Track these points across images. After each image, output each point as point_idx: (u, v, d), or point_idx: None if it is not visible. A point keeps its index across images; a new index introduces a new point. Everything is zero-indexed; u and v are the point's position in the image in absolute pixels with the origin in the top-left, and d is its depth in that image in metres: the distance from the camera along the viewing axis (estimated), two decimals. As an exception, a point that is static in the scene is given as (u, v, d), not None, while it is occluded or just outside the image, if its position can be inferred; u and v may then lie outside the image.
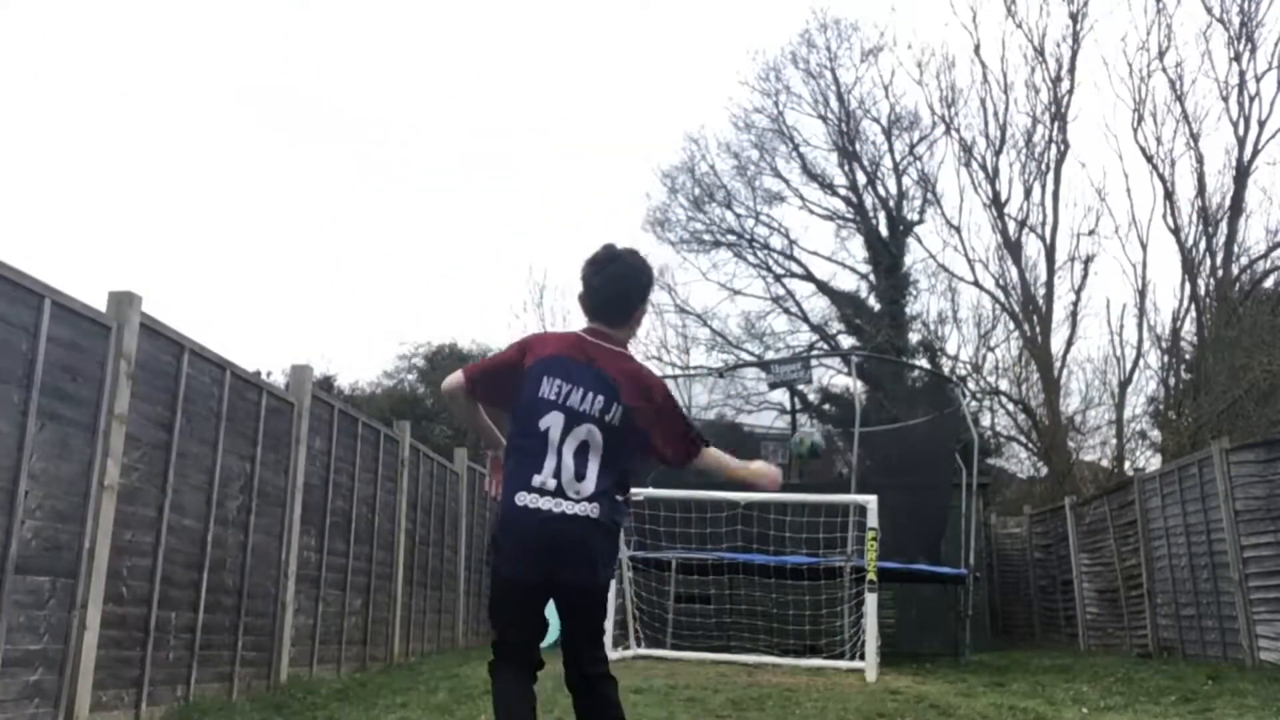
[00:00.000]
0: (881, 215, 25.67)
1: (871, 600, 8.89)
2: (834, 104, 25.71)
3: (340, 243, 40.38)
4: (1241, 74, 19.12)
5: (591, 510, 2.82)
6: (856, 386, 16.62)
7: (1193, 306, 19.14)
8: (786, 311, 26.53)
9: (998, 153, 22.10)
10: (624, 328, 3.10)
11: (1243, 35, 19.10)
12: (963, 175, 37.38)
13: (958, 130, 23.19)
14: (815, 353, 24.28)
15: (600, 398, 2.91)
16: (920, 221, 25.20)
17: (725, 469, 3.09)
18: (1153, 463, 19.16)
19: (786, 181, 26.60)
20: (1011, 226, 21.78)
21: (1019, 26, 26.93)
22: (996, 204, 21.95)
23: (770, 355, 24.71)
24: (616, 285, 3.05)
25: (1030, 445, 22.19)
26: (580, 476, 2.83)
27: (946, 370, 22.61)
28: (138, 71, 38.07)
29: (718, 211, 26.97)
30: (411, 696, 6.45)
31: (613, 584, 9.56)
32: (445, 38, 40.32)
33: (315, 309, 36.45)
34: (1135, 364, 20.71)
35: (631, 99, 39.96)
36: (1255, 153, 18.93)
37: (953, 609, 13.08)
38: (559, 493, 2.80)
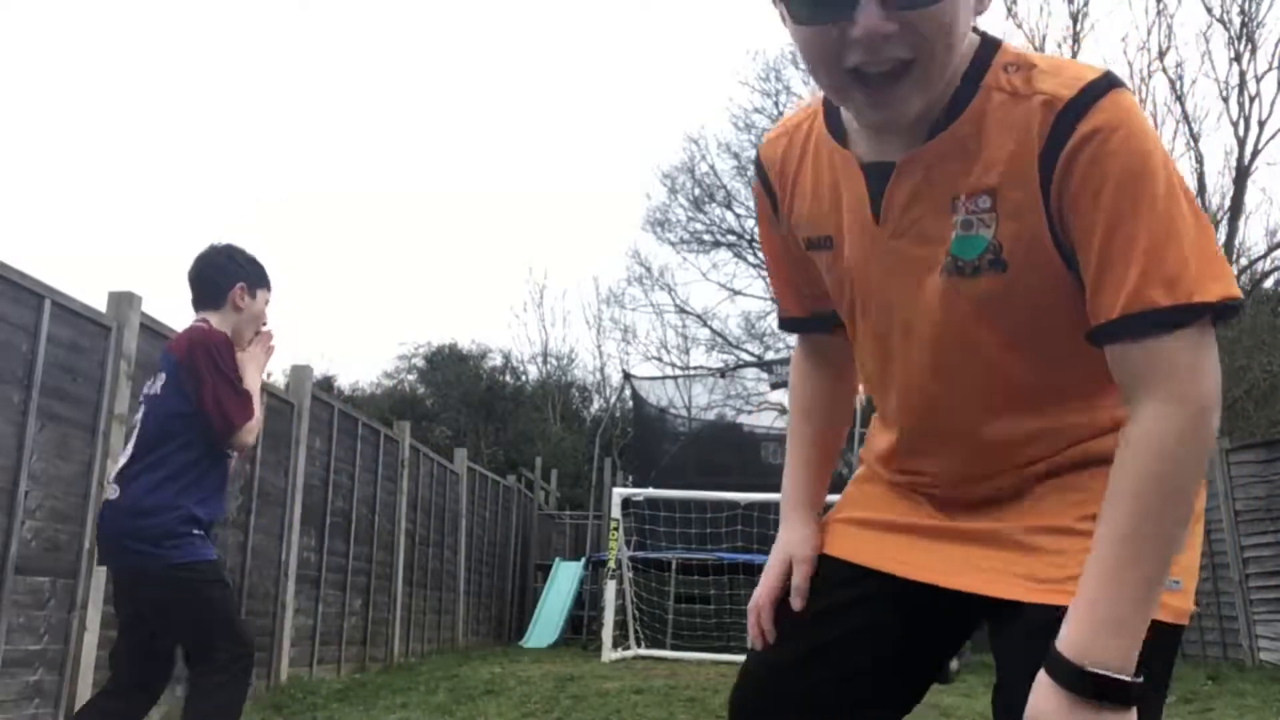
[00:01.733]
0: (882, 215, 25.68)
1: (871, 600, 8.89)
2: (834, 104, 25.72)
3: (340, 243, 40.43)
4: (1242, 74, 19.12)
5: (111, 493, 2.94)
6: (856, 386, 16.64)
7: (1193, 307, 19.15)
8: (787, 312, 26.54)
9: (998, 153, 22.11)
10: (217, 310, 3.14)
11: (1243, 35, 19.11)
12: (963, 175, 37.47)
13: (958, 130, 23.20)
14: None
15: (160, 375, 3.05)
16: (921, 221, 25.21)
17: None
18: (1153, 463, 19.16)
19: (787, 181, 26.60)
20: (1012, 227, 21.79)
21: (1019, 27, 26.97)
22: (996, 204, 21.95)
23: (770, 355, 24.74)
24: (196, 270, 3.16)
25: (1030, 445, 22.19)
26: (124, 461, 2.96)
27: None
28: (138, 71, 38.11)
29: (718, 212, 27.01)
30: (411, 696, 6.45)
31: (613, 584, 9.63)
32: (446, 38, 40.36)
33: (315, 309, 36.47)
34: (1135, 364, 20.72)
35: (632, 99, 40.00)
36: (1255, 153, 18.94)
37: (953, 609, 13.07)
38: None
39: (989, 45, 1.11)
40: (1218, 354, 1.02)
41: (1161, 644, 1.08)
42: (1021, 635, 1.10)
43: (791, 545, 1.43)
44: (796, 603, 1.32)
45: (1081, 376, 1.12)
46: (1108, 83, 1.02)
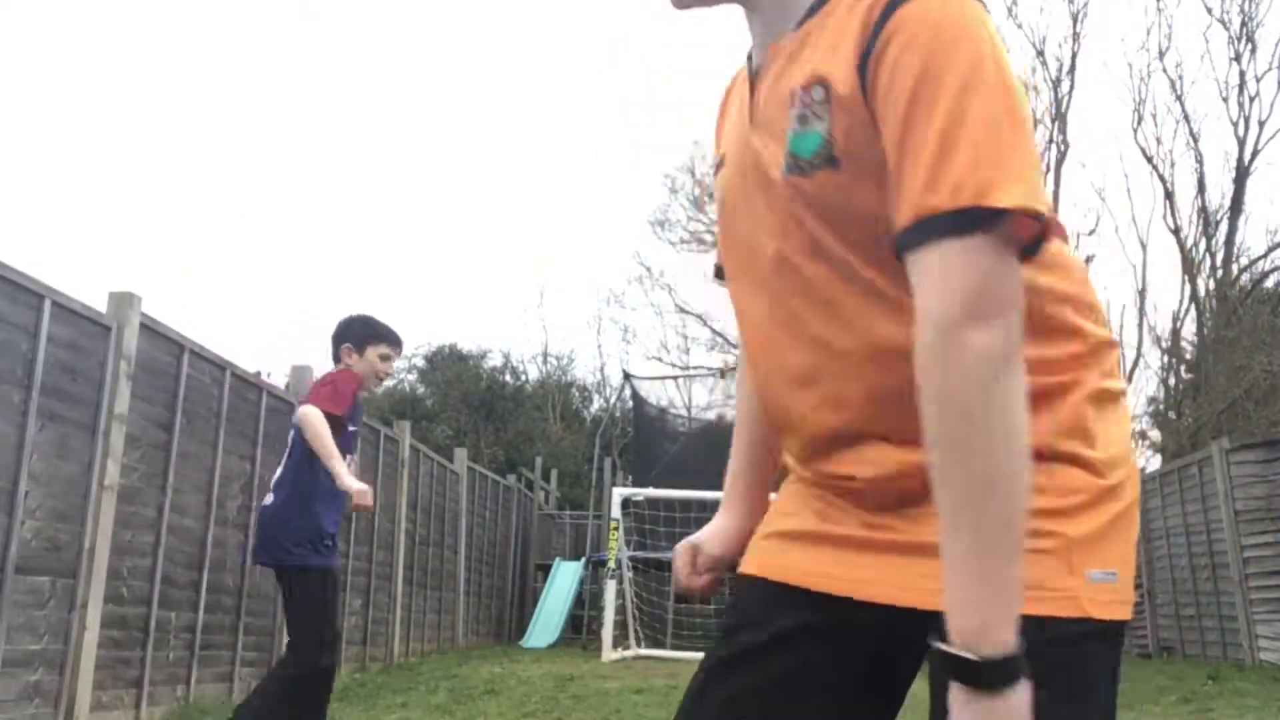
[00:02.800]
0: (881, 215, 25.68)
1: (871, 600, 8.89)
2: (834, 104, 25.71)
3: (340, 243, 40.43)
4: (1242, 74, 19.12)
5: (266, 499, 3.88)
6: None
7: (1193, 307, 19.15)
8: (787, 311, 26.55)
9: (998, 153, 22.09)
10: (339, 362, 4.04)
11: (1243, 35, 19.11)
12: (963, 175, 37.44)
13: (958, 130, 23.18)
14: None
15: None
16: (920, 221, 25.20)
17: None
18: (1153, 463, 19.17)
19: (787, 181, 26.62)
20: (1012, 227, 21.77)
21: (1019, 27, 26.97)
22: (997, 204, 21.93)
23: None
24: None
25: (1030, 445, 22.16)
26: None
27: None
28: (137, 71, 38.11)
29: (718, 212, 26.97)
30: (411, 696, 6.45)
31: (613, 584, 9.64)
32: (446, 38, 40.36)
33: (316, 309, 36.47)
34: (1135, 364, 20.71)
35: (632, 99, 40.00)
36: (1255, 153, 18.93)
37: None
38: None
39: None
40: (1018, 277, 0.89)
41: (1087, 643, 1.01)
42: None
43: (700, 534, 1.33)
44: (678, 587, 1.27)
45: None
46: None
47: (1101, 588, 1.00)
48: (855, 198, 0.96)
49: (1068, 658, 0.97)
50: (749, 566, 1.18)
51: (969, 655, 0.86)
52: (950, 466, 0.87)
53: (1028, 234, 0.89)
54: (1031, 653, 0.88)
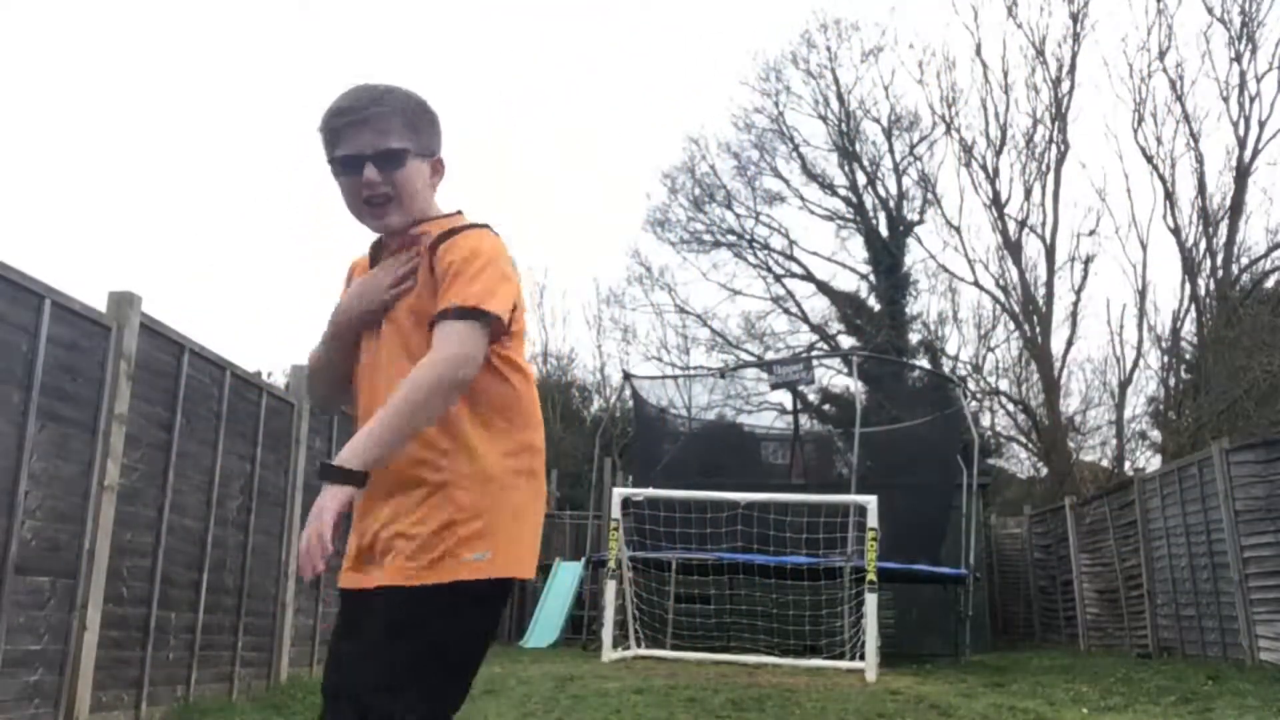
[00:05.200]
0: (881, 215, 25.69)
1: (871, 600, 8.89)
2: (834, 104, 25.72)
3: (340, 243, 40.33)
4: (1242, 74, 19.12)
5: None
6: (857, 387, 16.64)
7: (1193, 307, 19.15)
8: (786, 312, 26.56)
9: (998, 153, 22.11)
10: None
11: (1243, 35, 19.11)
12: (963, 175, 37.54)
13: (958, 130, 23.20)
14: (816, 353, 24.29)
15: None
16: (920, 222, 25.23)
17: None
18: (1153, 463, 19.18)
19: (786, 182, 26.63)
20: (1012, 227, 21.80)
21: (1020, 27, 26.96)
22: (997, 204, 21.96)
23: (770, 355, 24.72)
24: None
25: (1030, 445, 22.20)
26: None
27: (947, 371, 22.62)
28: (137, 71, 38.10)
29: (718, 212, 27.00)
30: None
31: (613, 584, 9.64)
32: (447, 37, 40.36)
33: (316, 309, 36.46)
34: (1135, 364, 20.73)
35: (632, 99, 39.99)
36: (1255, 153, 18.94)
37: (953, 609, 13.08)
38: None
39: (446, 216, 2.01)
40: (479, 343, 1.80)
41: (442, 600, 1.75)
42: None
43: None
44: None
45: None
46: (464, 226, 1.95)
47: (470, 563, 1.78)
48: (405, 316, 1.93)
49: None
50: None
51: (329, 462, 1.73)
52: (395, 399, 1.73)
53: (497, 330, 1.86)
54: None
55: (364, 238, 2.13)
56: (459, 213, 2.04)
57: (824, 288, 26.09)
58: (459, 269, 1.84)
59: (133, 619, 5.19)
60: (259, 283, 37.74)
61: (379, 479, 1.77)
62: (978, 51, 23.90)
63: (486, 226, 1.97)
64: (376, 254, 2.05)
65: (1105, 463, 21.21)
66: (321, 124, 1.97)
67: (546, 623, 12.87)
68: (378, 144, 1.92)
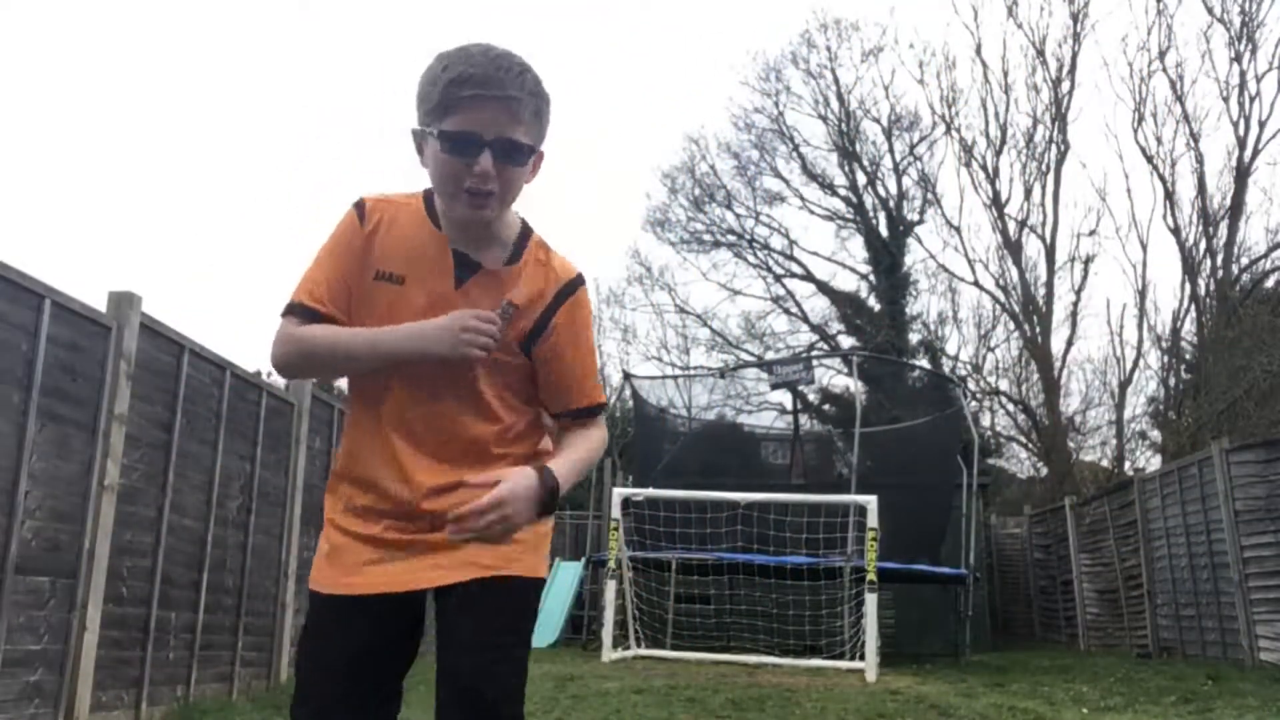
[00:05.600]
0: (881, 215, 25.68)
1: (871, 600, 8.89)
2: (834, 104, 25.72)
3: (340, 243, 40.27)
4: (1242, 74, 19.13)
5: None
6: (857, 387, 16.64)
7: (1193, 307, 19.15)
8: (786, 312, 26.57)
9: (998, 153, 22.12)
10: None
11: (1243, 35, 19.11)
12: (963, 175, 37.54)
13: (958, 130, 23.21)
14: (816, 353, 24.29)
15: None
16: (920, 222, 25.23)
17: None
18: (1153, 463, 19.18)
19: (786, 182, 26.63)
20: (1012, 227, 21.81)
21: (1020, 27, 27.00)
22: (997, 204, 21.96)
23: (770, 355, 24.71)
24: None
25: (1030, 445, 22.20)
26: None
27: (946, 370, 22.62)
28: (137, 71, 38.10)
29: (718, 212, 26.99)
30: (412, 697, 6.44)
31: (613, 584, 9.63)
32: (446, 38, 40.30)
33: (315, 309, 36.36)
34: (1135, 364, 20.73)
35: (632, 99, 40.00)
36: (1255, 153, 18.94)
37: (953, 609, 13.08)
38: None
39: (526, 224, 1.90)
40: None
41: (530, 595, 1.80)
42: (457, 605, 1.72)
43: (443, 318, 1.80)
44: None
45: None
46: (582, 279, 1.89)
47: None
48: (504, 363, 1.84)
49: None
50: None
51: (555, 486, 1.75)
52: (583, 457, 1.88)
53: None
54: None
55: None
56: (523, 219, 1.92)
57: (824, 288, 26.09)
58: (590, 350, 1.89)
59: (133, 619, 5.19)
60: (259, 283, 37.75)
61: (482, 468, 1.75)
62: (978, 51, 23.94)
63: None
64: (429, 215, 1.82)
65: (1105, 463, 21.21)
66: (439, 87, 1.70)
67: (546, 623, 12.86)
68: (503, 131, 1.70)
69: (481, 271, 1.80)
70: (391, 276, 1.79)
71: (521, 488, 1.67)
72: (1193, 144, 19.46)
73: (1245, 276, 19.21)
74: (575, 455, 1.83)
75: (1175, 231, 19.44)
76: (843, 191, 26.26)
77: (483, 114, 1.69)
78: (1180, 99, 19.68)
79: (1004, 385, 22.80)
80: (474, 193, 1.72)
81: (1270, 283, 18.79)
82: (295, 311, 1.79)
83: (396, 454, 1.76)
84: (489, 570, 1.72)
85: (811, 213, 26.49)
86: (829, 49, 25.73)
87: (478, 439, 1.79)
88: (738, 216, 26.78)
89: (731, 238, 26.71)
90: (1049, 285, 21.16)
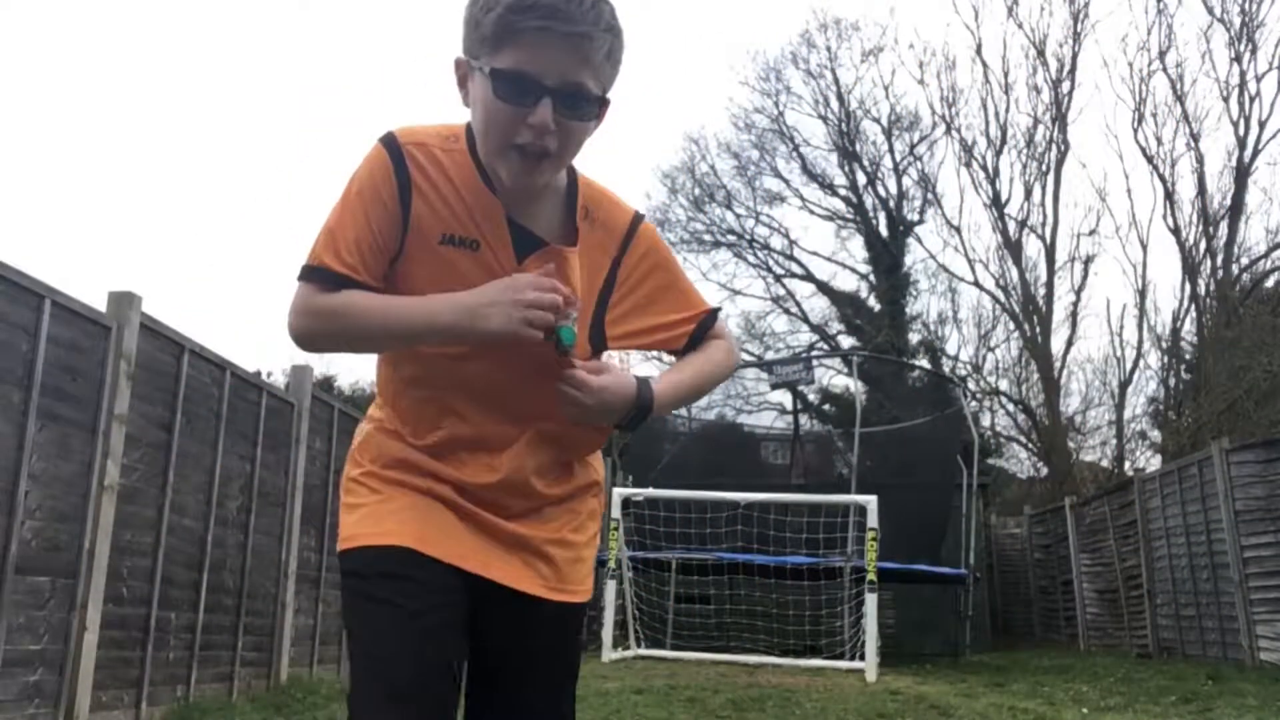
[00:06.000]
0: (881, 215, 25.71)
1: (871, 600, 8.89)
2: (834, 104, 25.75)
3: (340, 243, 40.28)
4: (1242, 74, 19.13)
5: None
6: (857, 387, 16.63)
7: (1193, 307, 19.16)
8: (786, 312, 26.59)
9: (998, 153, 22.13)
10: None
11: (1243, 35, 19.11)
12: (963, 175, 37.51)
13: (958, 130, 23.22)
14: (816, 353, 24.29)
15: None
16: (920, 222, 25.25)
17: None
18: (1153, 463, 19.17)
19: (786, 182, 26.65)
20: (1012, 227, 21.82)
21: (1020, 27, 27.01)
22: (997, 204, 21.97)
23: (770, 355, 24.72)
24: None
25: (1030, 445, 22.20)
26: None
27: (947, 370, 22.62)
28: (137, 71, 38.10)
29: (718, 212, 27.01)
30: None
31: (613, 584, 9.63)
32: (447, 37, 40.32)
33: (315, 309, 36.37)
34: (1135, 364, 20.74)
35: (632, 99, 39.98)
36: (1255, 153, 18.94)
37: (953, 609, 13.08)
38: None
39: (573, 174, 1.57)
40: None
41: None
42: (535, 626, 1.57)
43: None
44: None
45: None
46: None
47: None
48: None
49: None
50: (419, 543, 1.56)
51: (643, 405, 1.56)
52: (703, 370, 1.70)
53: None
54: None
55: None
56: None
57: (824, 288, 26.11)
58: (671, 275, 1.66)
59: (133, 619, 5.19)
60: (259, 283, 37.76)
61: (560, 480, 1.60)
62: (978, 51, 23.93)
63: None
64: (478, 167, 1.48)
65: (1105, 463, 21.21)
66: (495, 11, 1.38)
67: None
68: (569, 75, 1.37)
69: (544, 250, 1.50)
70: (464, 241, 1.47)
71: (619, 385, 1.50)
72: (1193, 144, 19.48)
73: (1245, 276, 19.22)
74: (680, 376, 1.62)
75: (1175, 231, 19.45)
76: (843, 191, 26.29)
77: (546, 52, 1.36)
78: (1180, 99, 19.70)
79: (1004, 385, 22.83)
80: (527, 151, 1.40)
81: (1270, 283, 18.79)
82: (319, 278, 1.46)
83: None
84: (563, 592, 1.56)
85: (811, 213, 26.52)
86: (829, 49, 25.76)
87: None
88: (738, 216, 26.82)
89: (731, 238, 26.74)
90: (1049, 285, 21.17)
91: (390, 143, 1.47)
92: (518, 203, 1.49)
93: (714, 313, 1.69)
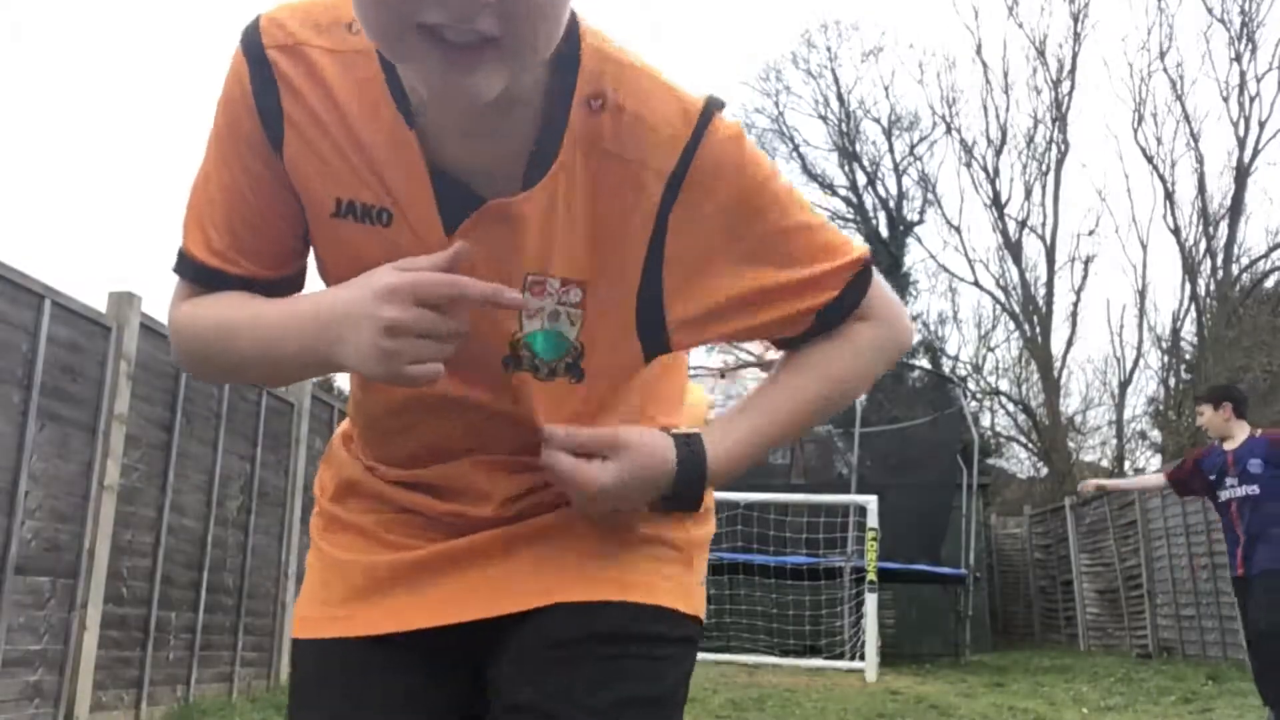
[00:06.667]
0: (881, 215, 25.69)
1: (871, 600, 8.89)
2: (834, 104, 25.73)
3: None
4: (1242, 74, 19.14)
5: None
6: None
7: (1193, 307, 19.17)
8: (786, 311, 26.54)
9: (998, 153, 22.14)
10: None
11: (1243, 36, 19.12)
12: (963, 175, 37.57)
13: (958, 130, 23.25)
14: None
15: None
16: (920, 222, 25.23)
17: None
18: (1153, 463, 19.19)
19: (787, 181, 26.61)
20: (1012, 227, 21.83)
21: (1020, 27, 27.04)
22: (997, 204, 21.98)
23: (771, 355, 24.70)
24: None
25: (1030, 445, 22.21)
26: None
27: (946, 370, 22.62)
28: (137, 71, 38.12)
29: (718, 212, 26.97)
30: None
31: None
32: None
33: (315, 309, 36.38)
34: (1135, 364, 20.75)
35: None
36: (1255, 153, 18.95)
37: (953, 609, 13.09)
38: None
39: (572, 43, 0.90)
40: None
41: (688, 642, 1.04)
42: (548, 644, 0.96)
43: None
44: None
45: None
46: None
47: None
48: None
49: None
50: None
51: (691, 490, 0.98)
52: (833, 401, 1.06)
53: None
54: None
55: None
56: (577, 21, 0.93)
57: (824, 287, 26.07)
58: (780, 198, 0.98)
59: (133, 619, 5.19)
60: (259, 283, 37.70)
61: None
62: (978, 52, 23.99)
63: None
64: (390, 81, 0.88)
65: (1105, 463, 21.22)
66: None
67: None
68: None
69: (480, 211, 0.89)
70: (368, 211, 0.91)
71: (640, 458, 0.94)
72: (1193, 144, 19.49)
73: (1245, 276, 19.23)
74: (759, 415, 1.01)
75: (1175, 232, 19.46)
76: (843, 191, 26.28)
77: None
78: (1180, 99, 19.71)
79: (1004, 385, 22.83)
80: (446, 39, 0.78)
81: (1270, 283, 18.80)
82: (188, 274, 0.98)
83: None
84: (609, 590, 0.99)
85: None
86: (829, 49, 25.74)
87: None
88: (738, 216, 26.76)
89: (732, 237, 26.70)
90: (1049, 285, 21.18)
91: (251, 43, 0.91)
92: (450, 136, 0.89)
93: (860, 277, 0.99)
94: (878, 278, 1.03)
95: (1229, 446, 5.47)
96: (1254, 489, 5.36)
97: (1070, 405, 21.88)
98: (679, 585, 1.02)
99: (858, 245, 1.01)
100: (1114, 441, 21.19)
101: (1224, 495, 5.47)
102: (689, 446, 0.97)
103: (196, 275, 0.98)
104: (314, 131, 0.91)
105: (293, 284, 1.00)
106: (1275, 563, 5.18)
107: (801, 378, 1.02)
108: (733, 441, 0.99)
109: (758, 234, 0.96)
